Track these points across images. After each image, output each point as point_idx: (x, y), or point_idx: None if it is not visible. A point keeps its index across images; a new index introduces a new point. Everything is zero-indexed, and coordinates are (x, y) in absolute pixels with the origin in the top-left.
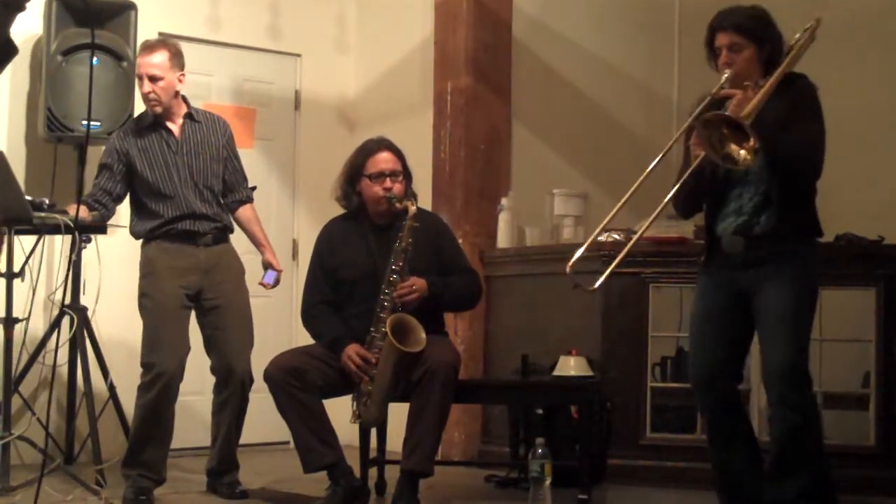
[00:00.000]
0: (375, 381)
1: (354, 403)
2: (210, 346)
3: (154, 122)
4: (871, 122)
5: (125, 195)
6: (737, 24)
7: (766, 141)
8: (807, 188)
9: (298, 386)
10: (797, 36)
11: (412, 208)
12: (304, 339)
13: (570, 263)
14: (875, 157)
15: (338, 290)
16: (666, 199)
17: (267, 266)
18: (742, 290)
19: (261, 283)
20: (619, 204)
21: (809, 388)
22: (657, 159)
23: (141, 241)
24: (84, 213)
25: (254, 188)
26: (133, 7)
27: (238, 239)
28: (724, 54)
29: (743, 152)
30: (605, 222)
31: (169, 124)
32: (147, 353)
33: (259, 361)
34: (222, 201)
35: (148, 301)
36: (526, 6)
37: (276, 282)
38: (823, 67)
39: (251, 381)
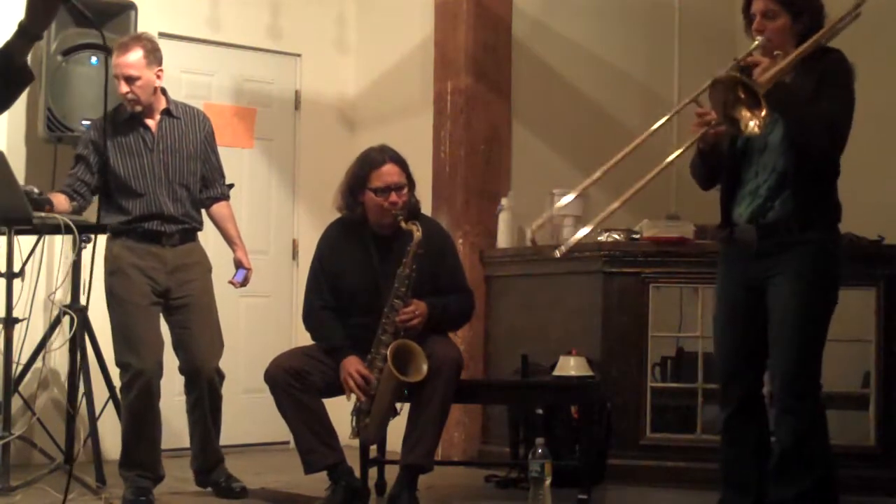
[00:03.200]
0: (375, 403)
1: (354, 419)
2: (177, 345)
3: (131, 117)
4: (870, 122)
5: (102, 186)
6: None
7: (785, 111)
8: (825, 167)
9: (299, 387)
10: (841, 17)
11: (417, 234)
12: (304, 339)
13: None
14: (875, 157)
15: (338, 297)
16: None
17: (238, 264)
18: (757, 283)
19: (230, 282)
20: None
21: (817, 394)
22: (648, 132)
23: (107, 235)
24: (65, 202)
25: (231, 186)
26: (133, 7)
27: (243, 239)
28: (757, 20)
29: (752, 122)
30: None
31: (147, 120)
32: (121, 352)
33: (259, 361)
34: (198, 197)
35: (117, 299)
36: (526, 6)
37: (246, 281)
38: None
39: (221, 378)
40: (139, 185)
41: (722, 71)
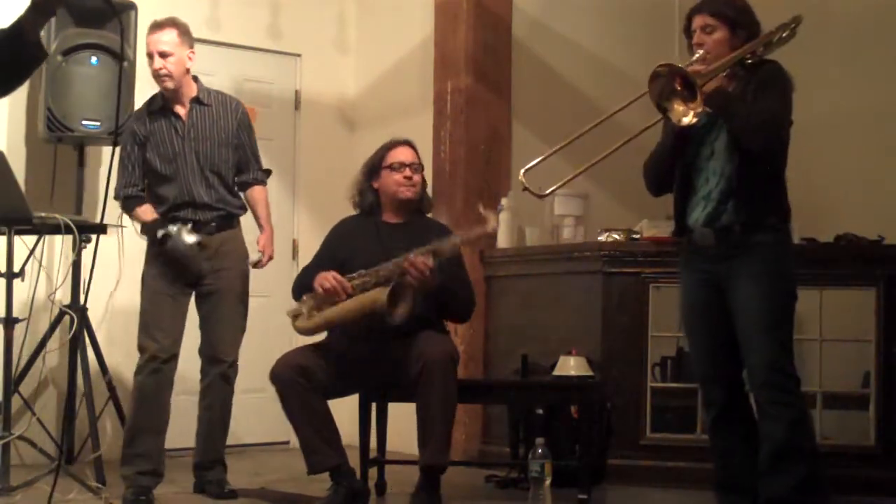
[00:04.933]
0: (336, 308)
1: (303, 307)
2: (202, 328)
3: (163, 106)
4: (871, 122)
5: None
6: (711, 6)
7: (725, 111)
8: (769, 167)
9: (305, 385)
10: (775, 29)
11: (492, 223)
12: (303, 339)
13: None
14: (875, 157)
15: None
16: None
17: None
18: (718, 283)
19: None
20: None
21: (796, 385)
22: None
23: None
24: (150, 212)
25: (268, 172)
26: (133, 7)
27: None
28: (696, 34)
29: (683, 113)
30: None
31: (177, 108)
32: (140, 336)
33: (259, 361)
34: (232, 183)
35: (145, 286)
36: (526, 6)
37: (259, 263)
38: (824, 66)
39: (235, 370)
40: (171, 173)
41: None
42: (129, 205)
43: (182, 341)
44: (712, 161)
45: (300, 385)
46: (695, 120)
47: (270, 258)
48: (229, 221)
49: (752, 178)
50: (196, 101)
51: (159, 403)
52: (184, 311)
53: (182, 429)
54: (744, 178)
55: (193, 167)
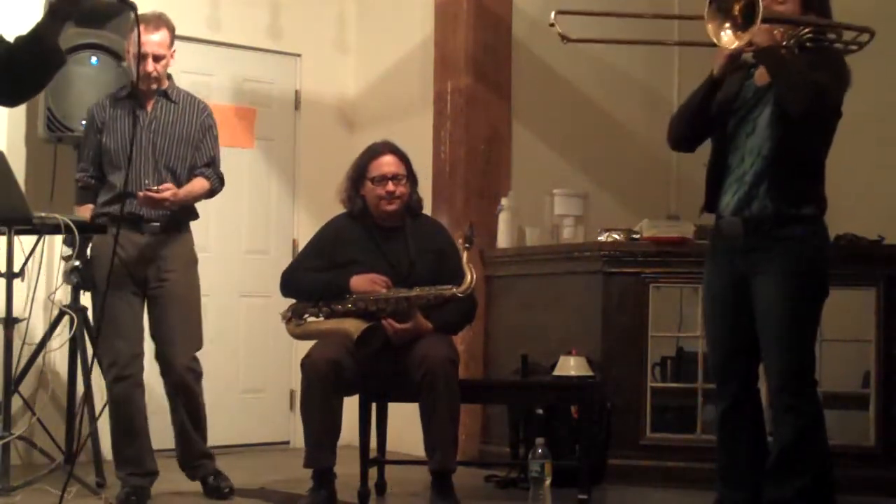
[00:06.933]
0: (318, 323)
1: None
2: (152, 336)
3: (129, 95)
4: (871, 123)
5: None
6: None
7: (775, 66)
8: (809, 150)
9: (334, 382)
10: (846, 23)
11: (468, 281)
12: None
13: None
14: (875, 157)
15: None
16: None
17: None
18: (743, 276)
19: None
20: None
21: (814, 390)
22: None
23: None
24: (89, 211)
25: (222, 180)
26: (133, 7)
27: (243, 239)
28: None
29: (727, 34)
30: None
31: (144, 99)
32: (101, 345)
33: (259, 361)
34: (185, 184)
35: (95, 293)
36: (526, 6)
37: (145, 193)
38: None
39: (195, 375)
40: (122, 160)
41: None
42: (77, 196)
43: (143, 341)
44: (752, 138)
45: (329, 381)
46: (733, 46)
47: (159, 198)
48: (176, 224)
49: (790, 161)
50: (164, 95)
51: (130, 410)
52: (138, 313)
53: None
54: (781, 159)
55: (147, 159)
